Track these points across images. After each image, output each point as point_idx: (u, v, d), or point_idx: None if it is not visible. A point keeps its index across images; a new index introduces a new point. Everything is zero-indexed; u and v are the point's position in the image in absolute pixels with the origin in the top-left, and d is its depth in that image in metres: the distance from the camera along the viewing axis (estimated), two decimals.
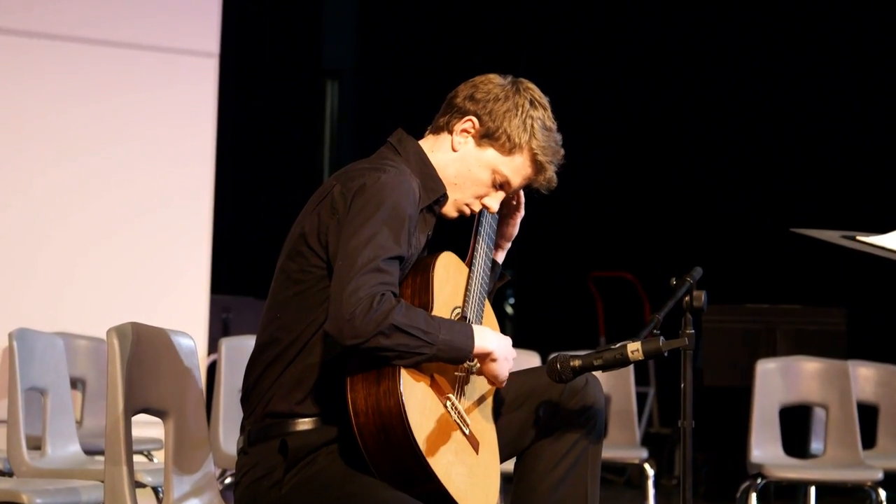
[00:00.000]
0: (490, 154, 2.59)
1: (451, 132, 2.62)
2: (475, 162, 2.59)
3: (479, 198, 2.63)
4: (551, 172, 2.62)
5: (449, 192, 2.60)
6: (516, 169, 2.60)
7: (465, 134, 2.60)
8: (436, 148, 2.63)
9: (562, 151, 2.62)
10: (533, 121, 2.59)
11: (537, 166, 2.61)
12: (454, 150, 2.60)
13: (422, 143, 2.65)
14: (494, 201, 2.64)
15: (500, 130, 2.57)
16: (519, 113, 2.58)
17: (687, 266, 2.60)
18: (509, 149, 2.58)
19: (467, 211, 2.64)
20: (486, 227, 2.71)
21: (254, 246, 7.90)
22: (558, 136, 2.63)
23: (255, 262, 7.11)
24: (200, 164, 5.66)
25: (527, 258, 8.46)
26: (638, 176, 8.60)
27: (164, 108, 5.61)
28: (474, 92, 2.60)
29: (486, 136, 2.58)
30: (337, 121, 9.49)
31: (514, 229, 2.82)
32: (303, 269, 2.48)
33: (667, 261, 8.01)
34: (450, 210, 2.63)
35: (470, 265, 2.65)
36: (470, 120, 2.60)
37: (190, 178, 5.65)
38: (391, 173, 2.46)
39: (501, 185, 2.62)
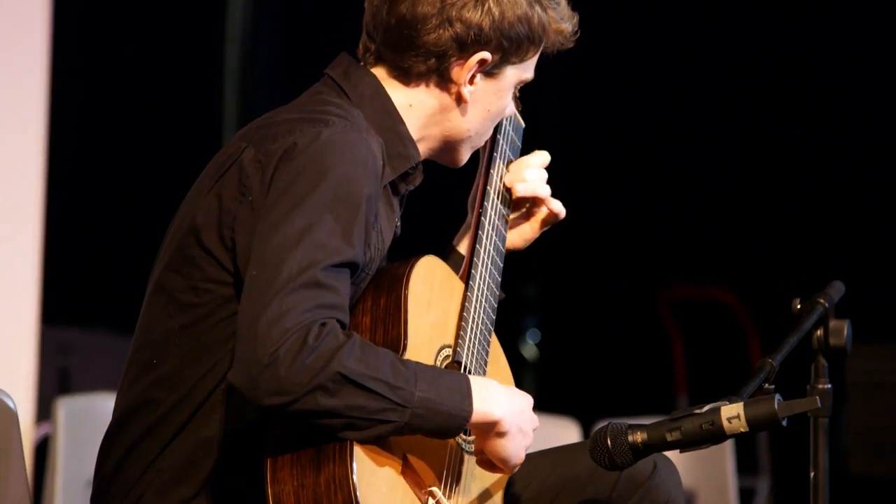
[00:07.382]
0: (510, 74, 2.79)
1: (450, 81, 2.71)
2: (494, 95, 2.78)
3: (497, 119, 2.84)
4: (568, 29, 2.82)
5: (465, 144, 2.78)
6: (533, 62, 2.83)
7: (476, 75, 2.72)
8: (416, 100, 2.71)
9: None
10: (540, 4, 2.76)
11: (550, 39, 2.79)
12: (464, 100, 2.72)
13: (377, 73, 2.70)
14: (510, 105, 2.86)
15: (521, 41, 2.74)
16: (528, 3, 2.73)
17: (819, 281, 2.62)
18: (528, 50, 2.77)
19: (482, 143, 2.85)
20: (495, 202, 2.76)
21: (110, 249, 7.90)
22: None
23: (113, 276, 7.08)
24: (23, 113, 5.66)
25: (559, 270, 8.47)
26: (738, 144, 8.61)
27: None
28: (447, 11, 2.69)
29: (503, 61, 2.73)
30: (250, 41, 9.50)
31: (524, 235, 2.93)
32: (195, 284, 2.51)
33: (783, 273, 8.04)
34: (463, 155, 2.81)
35: (467, 276, 2.68)
36: (482, 59, 2.70)
37: (7, 138, 5.65)
38: (337, 127, 2.50)
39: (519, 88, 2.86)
